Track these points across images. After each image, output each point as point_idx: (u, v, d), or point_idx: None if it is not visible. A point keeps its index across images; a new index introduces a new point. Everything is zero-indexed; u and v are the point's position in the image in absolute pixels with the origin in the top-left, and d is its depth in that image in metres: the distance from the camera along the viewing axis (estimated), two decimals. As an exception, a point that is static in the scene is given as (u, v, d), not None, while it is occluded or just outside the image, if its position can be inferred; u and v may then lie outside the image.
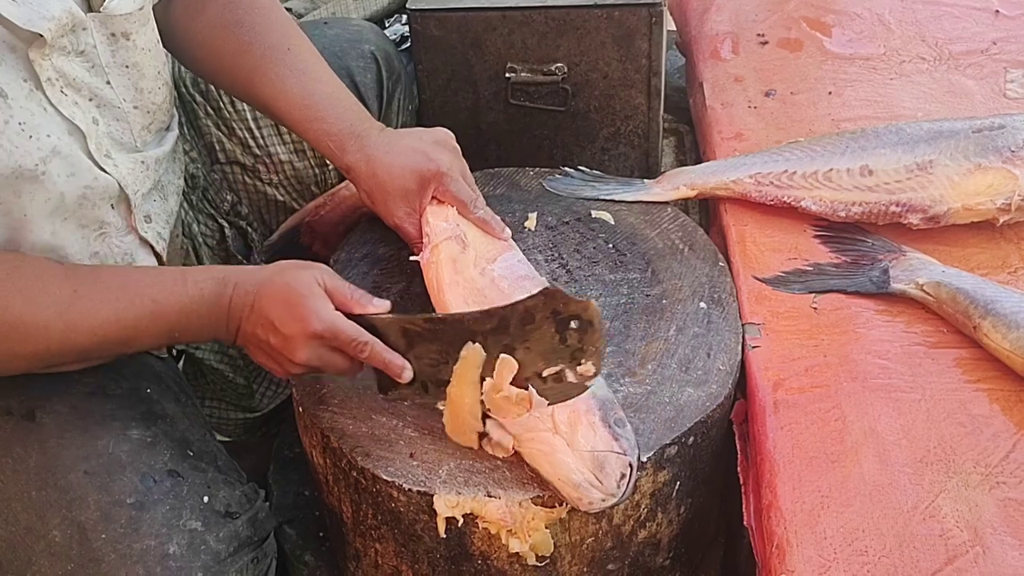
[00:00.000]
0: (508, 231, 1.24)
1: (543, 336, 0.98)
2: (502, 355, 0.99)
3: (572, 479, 0.98)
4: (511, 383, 0.99)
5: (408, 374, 1.02)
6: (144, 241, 1.14)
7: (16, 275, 0.95)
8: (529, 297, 0.98)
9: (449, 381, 1.02)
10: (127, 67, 1.08)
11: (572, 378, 0.99)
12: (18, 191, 0.97)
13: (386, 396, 1.07)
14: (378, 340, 1.02)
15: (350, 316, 1.02)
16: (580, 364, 0.98)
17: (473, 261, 1.17)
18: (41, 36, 0.95)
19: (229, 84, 1.24)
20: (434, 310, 1.15)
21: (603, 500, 0.98)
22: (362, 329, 1.01)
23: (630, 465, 0.99)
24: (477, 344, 1.00)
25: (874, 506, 0.99)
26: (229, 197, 1.41)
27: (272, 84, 1.17)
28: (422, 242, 1.20)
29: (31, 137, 0.97)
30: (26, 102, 0.97)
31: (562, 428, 1.00)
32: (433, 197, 1.20)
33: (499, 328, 0.99)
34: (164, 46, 1.21)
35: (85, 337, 0.98)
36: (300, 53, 1.20)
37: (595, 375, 0.99)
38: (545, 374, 0.99)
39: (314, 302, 0.99)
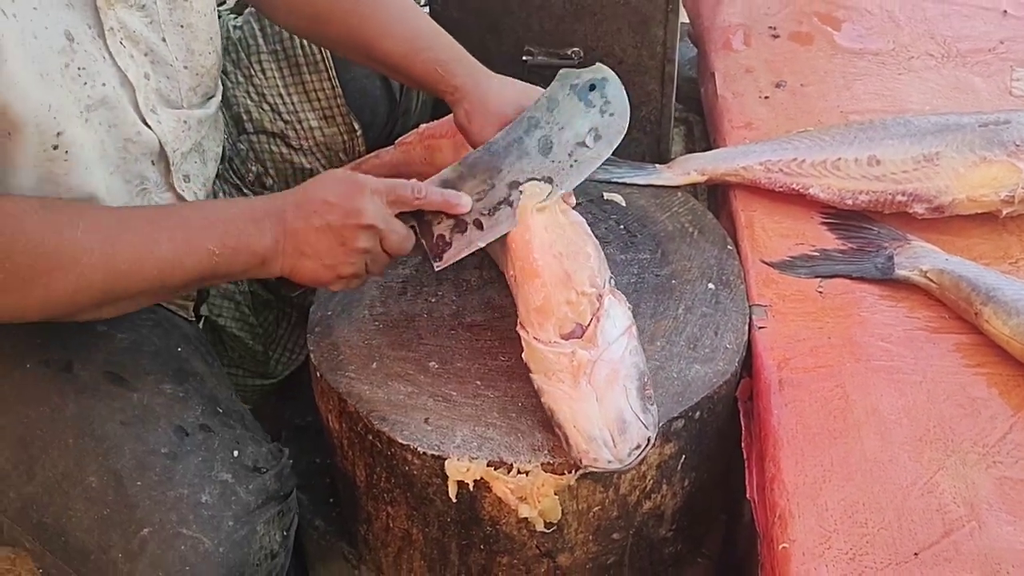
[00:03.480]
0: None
1: (570, 110, 1.13)
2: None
3: (589, 431, 1.00)
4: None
5: (467, 200, 1.10)
6: (182, 199, 1.18)
7: (51, 208, 0.97)
8: (548, 88, 1.13)
9: (498, 203, 1.12)
10: (182, 27, 1.12)
11: (590, 143, 1.14)
12: (63, 130, 0.99)
13: (442, 259, 1.13)
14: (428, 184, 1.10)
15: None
16: (599, 139, 1.15)
17: (558, 196, 1.19)
18: None
19: (322, 32, 1.27)
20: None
21: (609, 462, 1.00)
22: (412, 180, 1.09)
23: (648, 439, 1.02)
24: (531, 183, 1.14)
25: (874, 481, 1.02)
26: (254, 168, 1.44)
27: (374, 23, 1.21)
28: None
29: (85, 84, 1.00)
30: (89, 46, 1.01)
31: (598, 382, 1.02)
32: None
33: (531, 127, 1.12)
34: (255, 6, 1.29)
35: (126, 265, 0.97)
36: None
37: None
38: (587, 142, 1.14)
39: (362, 175, 1.06)
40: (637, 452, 1.01)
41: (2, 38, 0.91)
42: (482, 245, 1.13)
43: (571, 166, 1.15)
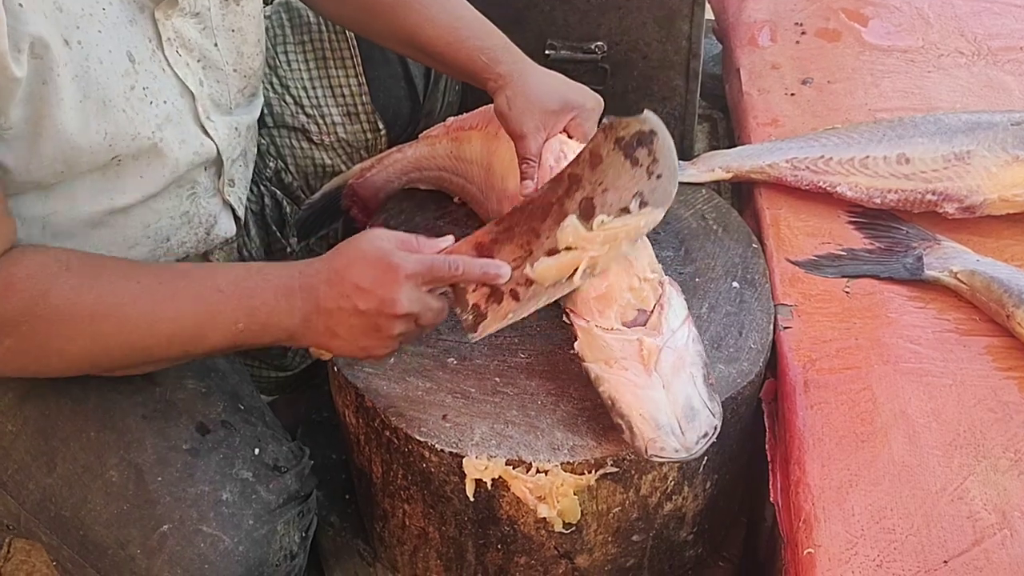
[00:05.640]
0: None
1: (615, 169, 1.01)
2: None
3: (658, 419, 0.97)
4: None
5: (506, 270, 1.02)
6: (226, 203, 1.19)
7: (75, 270, 0.93)
8: (591, 140, 1.01)
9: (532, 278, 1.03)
10: (233, 31, 1.12)
11: (633, 209, 1.02)
12: (137, 156, 1.00)
13: (477, 331, 1.05)
14: (465, 257, 1.02)
15: None
16: (644, 205, 1.02)
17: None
18: None
19: (367, 22, 1.28)
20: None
21: (676, 451, 0.96)
22: (448, 255, 1.01)
23: (715, 428, 0.99)
24: (572, 218, 1.02)
25: (902, 486, 1.00)
26: (273, 164, 1.43)
27: (418, 13, 1.22)
28: (532, 162, 1.17)
29: (151, 103, 1.00)
30: (149, 64, 1.00)
31: (664, 369, 1.00)
32: (564, 130, 1.20)
33: (572, 185, 1.01)
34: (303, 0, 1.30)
35: (150, 339, 0.95)
36: None
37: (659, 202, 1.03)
38: (630, 207, 1.02)
39: (397, 254, 0.97)
40: (704, 440, 0.98)
41: (59, 74, 0.89)
42: (517, 319, 1.05)
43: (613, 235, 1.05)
